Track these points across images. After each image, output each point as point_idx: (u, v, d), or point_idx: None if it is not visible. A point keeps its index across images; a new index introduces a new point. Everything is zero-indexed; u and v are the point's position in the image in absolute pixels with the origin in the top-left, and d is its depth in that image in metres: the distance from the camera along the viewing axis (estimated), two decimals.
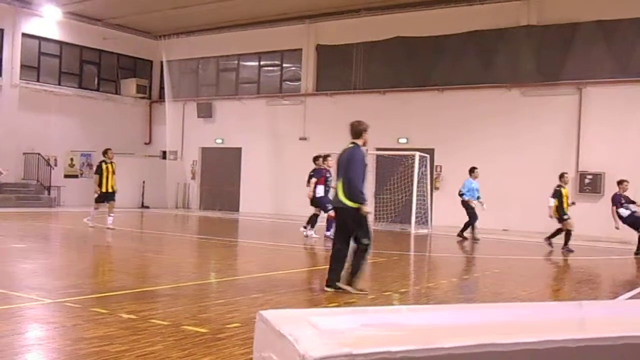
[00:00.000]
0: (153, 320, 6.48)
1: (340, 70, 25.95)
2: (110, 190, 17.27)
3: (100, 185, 17.19)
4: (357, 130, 8.66)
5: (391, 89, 24.60)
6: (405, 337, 2.08)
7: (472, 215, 17.99)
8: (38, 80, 27.56)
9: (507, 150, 21.91)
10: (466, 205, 18.05)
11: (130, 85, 30.41)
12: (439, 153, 23.20)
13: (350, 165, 8.45)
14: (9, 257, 11.70)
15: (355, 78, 25.30)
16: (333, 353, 1.89)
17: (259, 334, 2.21)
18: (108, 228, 16.76)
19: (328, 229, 15.63)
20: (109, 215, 17.08)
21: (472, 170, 18.18)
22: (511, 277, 11.36)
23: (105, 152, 17.62)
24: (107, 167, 17.28)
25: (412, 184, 20.58)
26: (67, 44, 28.48)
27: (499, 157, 21.89)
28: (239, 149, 28.38)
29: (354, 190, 8.38)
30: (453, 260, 13.85)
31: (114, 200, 17.42)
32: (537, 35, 22.06)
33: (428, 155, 21.49)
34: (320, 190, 16.03)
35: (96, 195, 17.39)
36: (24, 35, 26.82)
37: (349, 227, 8.53)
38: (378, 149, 23.56)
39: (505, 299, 8.80)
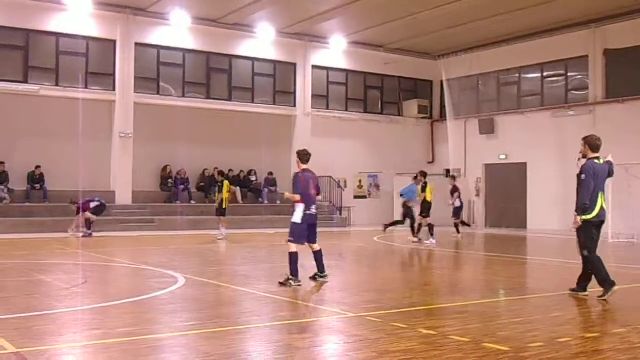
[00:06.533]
0: (452, 337, 6.52)
1: (632, 74, 24.15)
2: None
3: None
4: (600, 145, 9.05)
5: None
6: None
7: (407, 215, 20.23)
8: (327, 108, 29.50)
9: None
10: (405, 205, 20.42)
11: (412, 106, 31.25)
12: None
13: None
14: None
15: None
16: None
17: None
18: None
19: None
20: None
21: (415, 177, 20.03)
22: None
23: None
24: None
25: None
26: (352, 71, 30.15)
27: None
28: (524, 164, 27.60)
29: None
30: None
31: None
32: None
33: None
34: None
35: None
36: (313, 67, 28.94)
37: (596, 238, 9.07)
38: None
39: None
